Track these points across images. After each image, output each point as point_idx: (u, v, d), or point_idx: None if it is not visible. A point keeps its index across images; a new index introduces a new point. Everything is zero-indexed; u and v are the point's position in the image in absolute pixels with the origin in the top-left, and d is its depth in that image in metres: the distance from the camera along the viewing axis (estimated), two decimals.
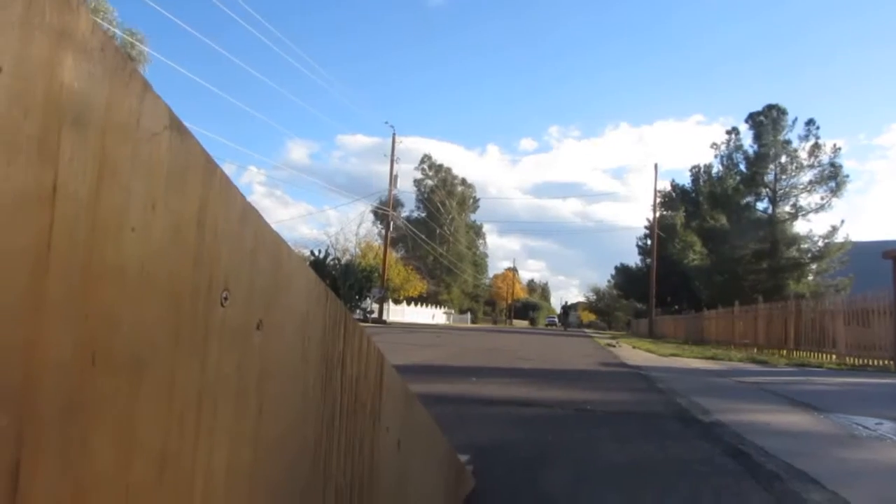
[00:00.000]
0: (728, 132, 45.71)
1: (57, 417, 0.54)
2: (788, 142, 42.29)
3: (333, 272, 35.41)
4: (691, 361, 12.89)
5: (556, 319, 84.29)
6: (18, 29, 0.49)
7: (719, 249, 42.67)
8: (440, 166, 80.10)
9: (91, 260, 0.57)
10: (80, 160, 0.55)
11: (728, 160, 45.28)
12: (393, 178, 43.87)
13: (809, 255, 41.82)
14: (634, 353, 15.89)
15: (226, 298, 0.77)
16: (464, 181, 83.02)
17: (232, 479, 0.81)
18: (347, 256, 43.61)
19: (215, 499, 0.77)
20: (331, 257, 38.61)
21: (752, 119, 43.56)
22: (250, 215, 0.83)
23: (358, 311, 36.96)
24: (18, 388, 0.50)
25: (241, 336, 0.82)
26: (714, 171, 47.40)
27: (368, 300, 39.55)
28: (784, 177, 42.44)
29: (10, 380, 0.50)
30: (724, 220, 43.07)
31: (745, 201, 43.35)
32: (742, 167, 44.22)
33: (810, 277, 41.86)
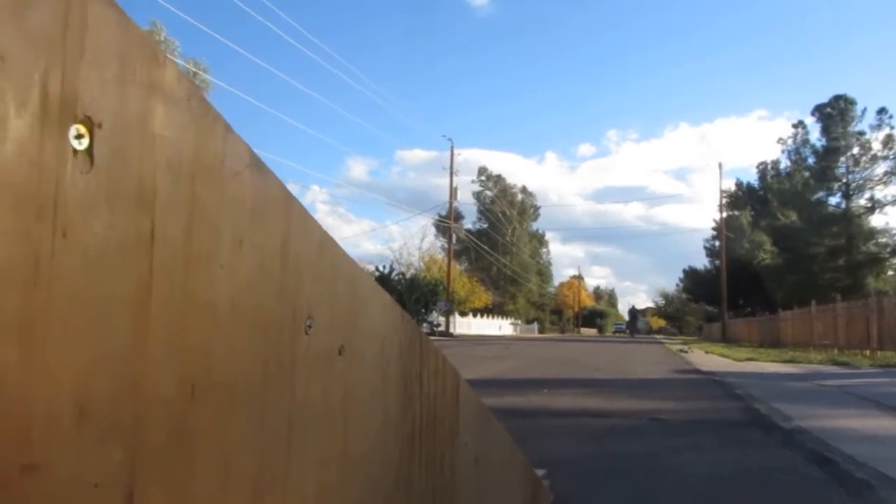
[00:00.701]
0: (794, 126, 44.56)
1: (164, 449, 0.57)
2: (861, 133, 40.85)
3: (399, 287, 35.69)
4: (768, 365, 12.52)
5: (624, 326, 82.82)
6: (114, 86, 0.53)
7: (791, 248, 41.41)
8: (498, 177, 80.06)
9: (186, 298, 0.60)
10: (174, 204, 0.58)
11: (796, 155, 44.06)
12: (453, 191, 44.09)
13: (888, 249, 40.18)
14: (708, 358, 15.53)
15: (309, 327, 0.80)
16: (524, 189, 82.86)
17: (322, 498, 0.83)
18: (412, 270, 43.92)
19: None
20: (395, 272, 38.97)
21: (820, 111, 42.25)
22: (328, 244, 0.85)
23: (425, 324, 37.13)
24: (130, 423, 0.53)
25: (325, 362, 0.84)
26: (782, 166, 46.13)
27: (435, 313, 39.73)
28: (857, 169, 41.00)
29: (123, 415, 0.53)
30: (794, 216, 41.81)
31: (816, 197, 42.03)
32: (811, 161, 42.91)
33: (890, 273, 40.20)
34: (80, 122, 0.49)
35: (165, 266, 0.57)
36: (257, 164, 0.71)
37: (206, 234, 0.63)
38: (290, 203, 0.78)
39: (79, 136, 0.49)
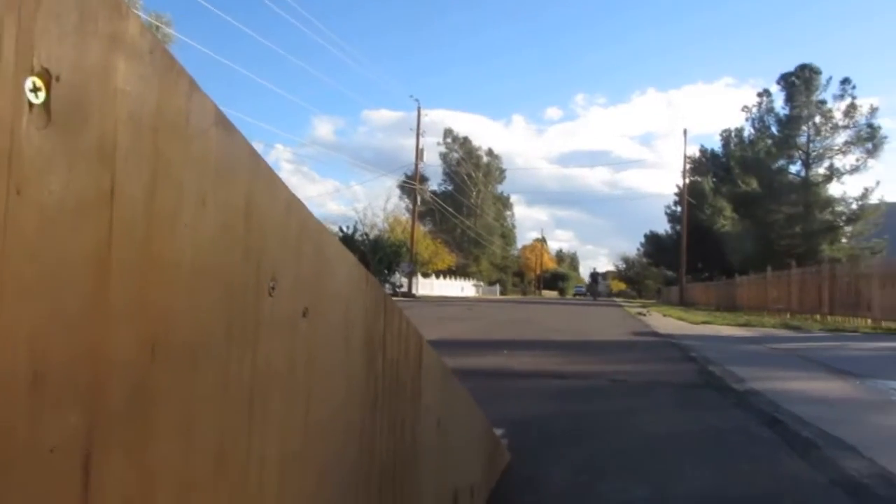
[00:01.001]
0: (759, 94, 44.88)
1: (123, 412, 0.56)
2: (823, 102, 41.37)
3: (362, 247, 35.62)
4: (723, 329, 12.81)
5: (585, 289, 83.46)
6: (73, 37, 0.50)
7: (751, 214, 42.08)
8: (465, 139, 79.68)
9: (148, 257, 0.58)
10: (135, 161, 0.56)
11: (760, 123, 44.49)
12: (419, 152, 43.82)
13: (843, 217, 41.08)
14: (665, 321, 15.82)
15: (273, 288, 0.79)
16: (490, 152, 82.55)
17: (285, 465, 0.83)
18: (376, 231, 43.73)
19: (270, 484, 0.79)
20: (359, 233, 38.84)
21: (785, 80, 42.60)
22: (294, 205, 0.84)
23: (387, 285, 37.15)
24: (87, 386, 0.52)
25: (289, 324, 0.83)
26: (745, 134, 46.55)
27: (398, 274, 39.77)
28: (818, 138, 41.59)
29: (80, 378, 0.51)
30: (755, 184, 42.39)
31: (777, 165, 42.60)
32: (774, 130, 43.41)
33: (844, 241, 41.16)
34: (37, 74, 0.47)
35: (126, 224, 0.55)
36: (223, 123, 0.69)
37: (169, 192, 0.61)
38: (257, 162, 0.76)
39: (35, 90, 0.47)
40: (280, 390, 0.82)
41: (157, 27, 31.24)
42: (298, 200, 0.85)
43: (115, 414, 0.55)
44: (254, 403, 0.76)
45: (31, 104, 0.47)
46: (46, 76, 0.48)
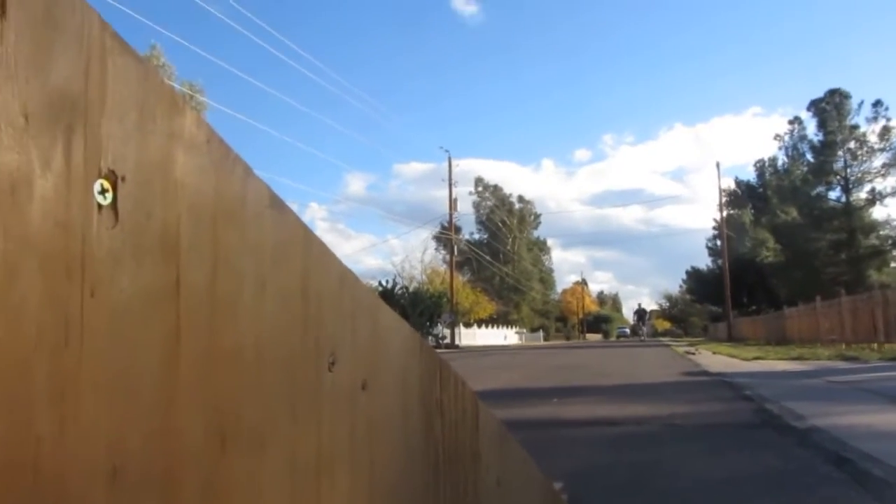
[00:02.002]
0: (790, 122, 44.62)
1: (196, 502, 0.56)
2: (856, 126, 40.87)
3: (402, 301, 35.66)
4: (776, 364, 12.47)
5: (629, 331, 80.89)
6: (135, 137, 0.52)
7: (793, 244, 41.35)
8: (495, 186, 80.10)
9: (213, 345, 0.59)
10: (197, 251, 0.57)
11: (793, 151, 44.10)
12: (452, 202, 44.12)
13: (890, 241, 40.13)
14: (715, 359, 15.47)
15: (332, 363, 0.79)
16: (521, 198, 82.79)
17: None
18: (415, 284, 43.88)
19: None
20: (398, 286, 38.95)
21: (815, 106, 42.30)
22: (347, 278, 0.84)
23: (430, 337, 37.06)
24: (162, 478, 0.52)
25: (349, 398, 0.83)
26: (780, 163, 46.10)
27: (439, 326, 39.66)
28: (855, 163, 41.02)
29: (155, 471, 0.51)
30: (795, 213, 41.77)
31: (815, 191, 41.99)
32: (809, 157, 42.93)
33: (893, 265, 40.14)
34: (104, 176, 0.48)
35: (191, 314, 0.56)
36: (276, 203, 0.70)
37: (230, 278, 0.62)
38: (309, 239, 0.77)
39: (103, 191, 0.48)
40: (344, 463, 0.81)
41: (191, 96, 32.26)
42: (350, 272, 0.86)
43: None
44: (321, 478, 0.75)
45: (99, 206, 0.48)
46: (112, 177, 0.49)
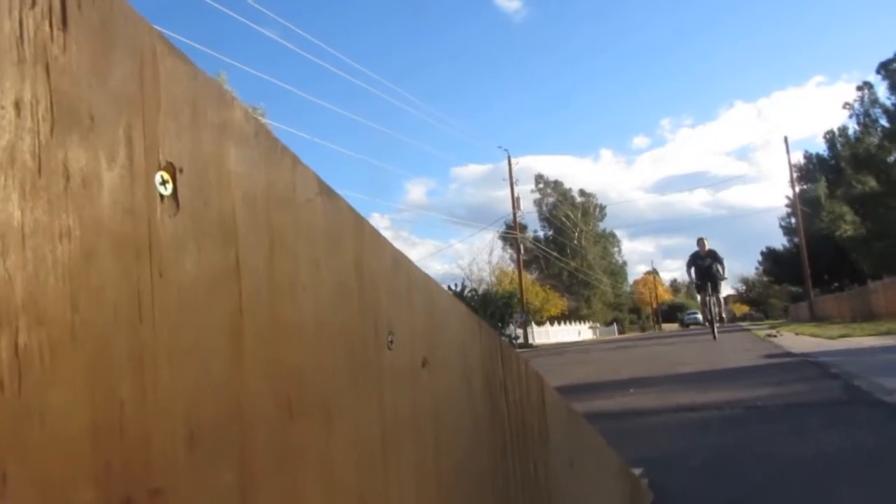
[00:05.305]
0: (859, 88, 42.74)
1: (270, 469, 0.60)
2: None
3: (472, 303, 35.71)
4: (864, 340, 11.99)
5: (699, 316, 77.15)
6: (189, 131, 0.57)
7: (873, 214, 39.61)
8: (556, 182, 79.40)
9: (275, 321, 0.63)
10: (254, 235, 0.62)
11: (865, 117, 42.22)
12: (516, 201, 43.99)
13: None
14: (798, 339, 14.98)
15: (391, 342, 0.83)
16: (582, 192, 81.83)
17: None
18: (483, 286, 43.88)
19: None
20: (468, 289, 39.01)
21: (885, 69, 40.40)
22: (401, 260, 0.88)
23: (503, 338, 36.91)
24: (236, 445, 0.57)
25: (410, 375, 0.87)
26: (850, 132, 44.25)
27: (512, 326, 39.56)
28: None
29: (229, 438, 0.56)
30: (872, 182, 40.03)
31: (893, 157, 40.16)
32: (883, 122, 41.08)
33: None
34: (164, 168, 0.53)
35: (253, 293, 0.60)
36: (326, 191, 0.74)
37: (286, 260, 0.66)
38: (361, 223, 0.81)
39: (164, 182, 0.53)
40: (410, 440, 0.85)
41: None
42: (404, 255, 0.89)
43: (263, 471, 0.59)
44: (387, 454, 0.79)
45: (161, 196, 0.53)
46: (171, 169, 0.54)
